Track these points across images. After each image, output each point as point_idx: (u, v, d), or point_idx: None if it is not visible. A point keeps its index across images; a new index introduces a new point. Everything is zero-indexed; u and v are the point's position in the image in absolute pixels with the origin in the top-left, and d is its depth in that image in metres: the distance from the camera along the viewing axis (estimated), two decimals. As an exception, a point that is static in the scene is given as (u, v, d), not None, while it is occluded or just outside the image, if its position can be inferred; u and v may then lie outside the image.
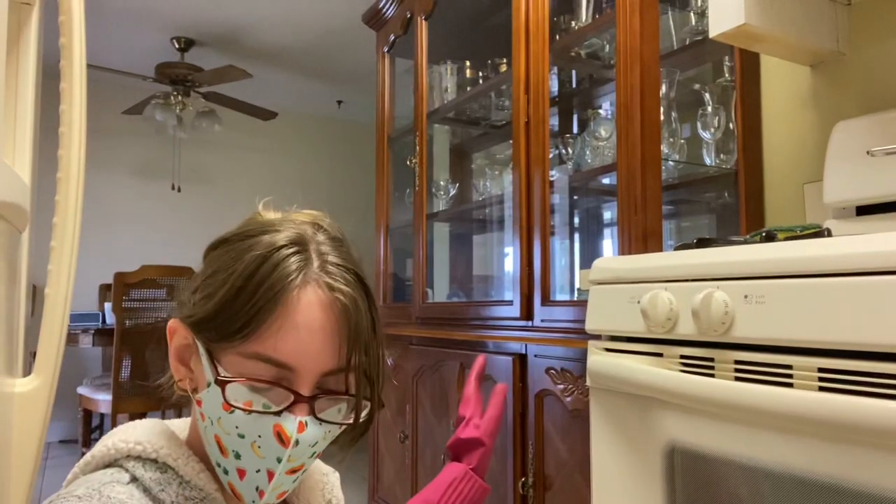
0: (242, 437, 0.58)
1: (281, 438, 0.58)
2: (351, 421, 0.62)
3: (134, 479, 0.59)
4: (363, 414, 0.62)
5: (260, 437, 0.58)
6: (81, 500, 0.55)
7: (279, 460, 0.58)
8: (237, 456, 0.59)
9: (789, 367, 0.81)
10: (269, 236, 0.61)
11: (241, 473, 0.60)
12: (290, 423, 0.58)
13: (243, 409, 0.57)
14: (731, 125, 1.59)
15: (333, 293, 0.59)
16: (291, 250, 0.59)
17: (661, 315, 0.97)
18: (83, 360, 4.47)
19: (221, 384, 0.57)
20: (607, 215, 2.07)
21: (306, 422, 0.58)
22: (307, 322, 0.58)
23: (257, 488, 0.60)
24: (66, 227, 0.84)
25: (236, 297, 0.57)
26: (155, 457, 0.60)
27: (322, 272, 0.60)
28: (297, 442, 0.58)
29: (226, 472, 0.61)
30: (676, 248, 1.06)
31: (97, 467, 0.62)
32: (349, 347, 0.59)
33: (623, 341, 1.08)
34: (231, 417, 0.58)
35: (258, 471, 0.59)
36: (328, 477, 0.79)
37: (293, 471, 0.60)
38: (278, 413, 0.58)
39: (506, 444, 1.68)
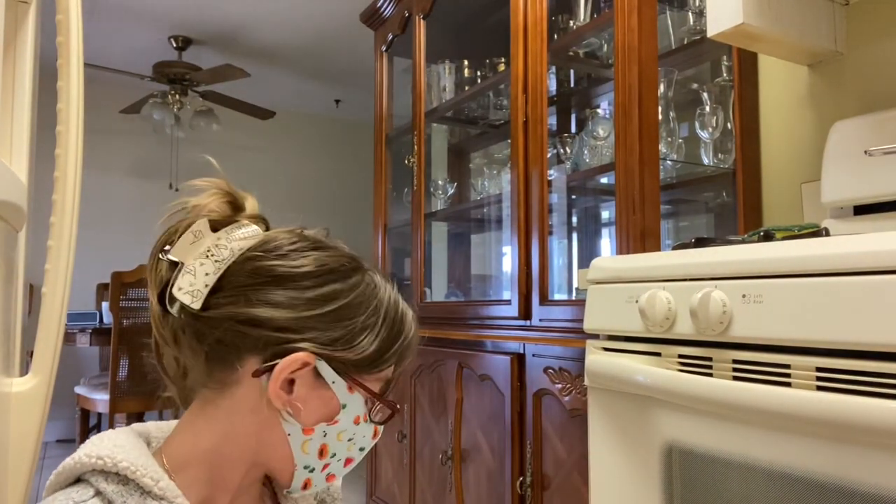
0: (351, 440, 0.70)
1: (375, 433, 0.72)
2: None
3: (98, 493, 0.62)
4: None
5: (364, 437, 0.71)
6: None
7: (362, 450, 0.72)
8: (333, 455, 0.70)
9: (787, 366, 0.81)
10: (374, 276, 0.72)
11: (325, 467, 0.70)
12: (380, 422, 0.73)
13: (364, 420, 0.70)
14: (729, 125, 1.60)
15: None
16: (398, 291, 0.74)
17: (659, 314, 0.97)
18: (80, 360, 4.46)
19: (392, 406, 0.70)
20: (605, 215, 2.07)
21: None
22: None
23: (328, 473, 0.71)
24: (63, 226, 0.84)
25: (390, 340, 0.70)
26: (115, 470, 0.62)
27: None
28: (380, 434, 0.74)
29: (312, 470, 0.69)
30: (674, 248, 1.06)
31: (67, 480, 0.64)
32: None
33: (621, 341, 1.08)
34: (355, 429, 0.69)
35: (339, 460, 0.71)
36: None
37: None
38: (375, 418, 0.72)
39: (504, 443, 1.68)
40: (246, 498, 0.71)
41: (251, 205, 0.72)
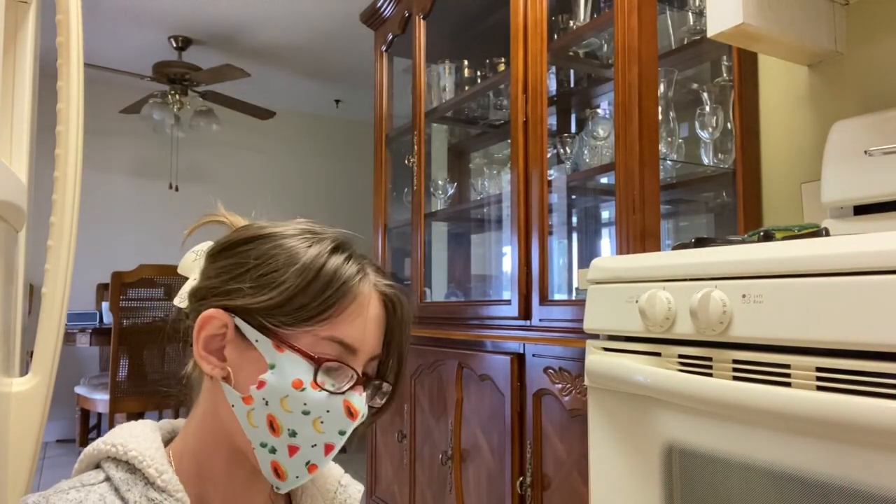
0: (307, 413, 0.64)
1: (350, 412, 0.65)
2: (383, 403, 0.72)
3: (107, 479, 0.64)
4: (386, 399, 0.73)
5: (328, 412, 0.64)
6: None
7: (342, 433, 0.66)
8: (292, 434, 0.64)
9: (787, 366, 0.81)
10: (312, 237, 0.68)
11: (293, 450, 0.65)
12: (356, 399, 0.66)
13: (316, 388, 0.64)
14: (728, 125, 1.60)
15: (387, 290, 0.70)
16: (347, 252, 0.68)
17: (659, 314, 0.97)
18: (80, 360, 4.46)
19: (318, 362, 0.64)
20: (605, 215, 2.07)
21: (365, 397, 0.67)
22: (370, 313, 0.68)
23: (307, 463, 0.66)
24: (63, 226, 0.84)
25: (308, 287, 0.65)
26: (125, 458, 0.64)
27: (373, 273, 0.70)
28: (362, 415, 0.66)
29: (272, 450, 0.65)
30: (674, 248, 1.06)
31: (88, 465, 0.67)
32: (391, 338, 0.71)
33: (621, 341, 1.08)
34: (300, 395, 0.63)
35: (314, 445, 0.65)
36: (346, 489, 0.80)
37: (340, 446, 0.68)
38: (345, 391, 0.65)
39: (504, 443, 1.68)
40: (255, 499, 0.71)
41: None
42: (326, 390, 0.64)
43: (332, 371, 0.65)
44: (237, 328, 0.65)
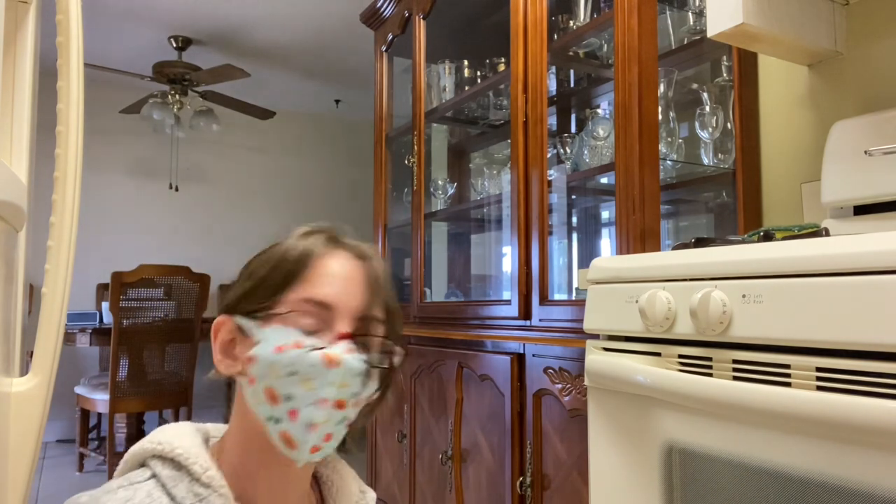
0: (294, 374, 0.66)
1: (329, 361, 0.67)
2: (386, 365, 0.73)
3: (153, 476, 0.68)
4: (394, 361, 0.74)
5: (312, 366, 0.66)
6: None
7: (332, 384, 0.67)
8: (288, 398, 0.67)
9: (787, 366, 0.82)
10: (292, 237, 0.75)
11: (293, 413, 0.67)
12: (337, 349, 0.68)
13: (298, 347, 0.67)
14: (728, 125, 1.60)
15: (361, 256, 0.74)
16: (317, 232, 0.74)
17: (659, 314, 0.97)
18: (80, 360, 4.46)
19: (291, 322, 0.68)
20: (605, 215, 2.07)
21: (351, 349, 0.68)
22: (341, 270, 0.72)
23: (308, 424, 0.67)
24: (63, 226, 0.84)
25: (275, 267, 0.71)
26: (171, 456, 0.68)
27: (348, 242, 0.75)
28: (345, 362, 0.67)
29: (277, 421, 0.67)
30: (674, 248, 1.06)
31: (133, 465, 0.71)
32: (377, 298, 0.73)
33: (621, 341, 1.08)
34: (282, 357, 0.67)
35: (311, 404, 0.67)
36: (365, 495, 0.85)
37: (340, 405, 0.68)
38: (324, 346, 0.68)
39: (504, 443, 1.68)
40: (290, 498, 0.74)
41: None
42: (305, 348, 0.67)
43: (313, 332, 0.69)
44: (239, 326, 0.71)
